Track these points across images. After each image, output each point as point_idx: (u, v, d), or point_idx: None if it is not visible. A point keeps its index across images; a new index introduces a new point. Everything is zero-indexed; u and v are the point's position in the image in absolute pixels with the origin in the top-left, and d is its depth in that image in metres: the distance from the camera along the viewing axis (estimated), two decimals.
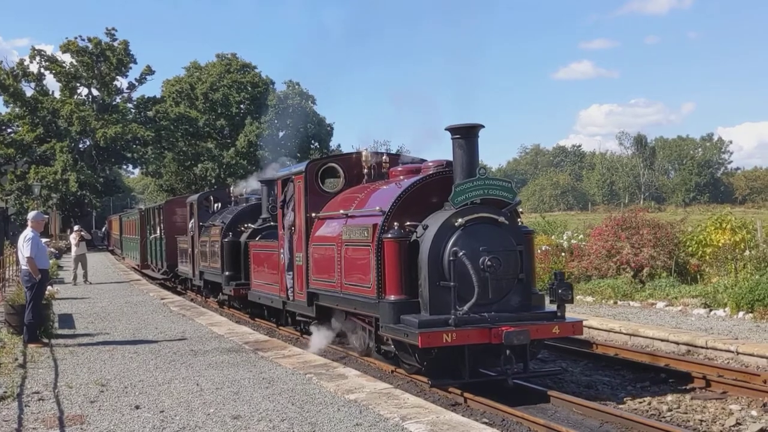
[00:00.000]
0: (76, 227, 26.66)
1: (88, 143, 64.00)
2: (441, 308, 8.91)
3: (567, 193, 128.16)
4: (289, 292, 12.94)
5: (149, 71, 66.94)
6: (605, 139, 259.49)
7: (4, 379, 8.95)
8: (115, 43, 63.92)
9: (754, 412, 8.21)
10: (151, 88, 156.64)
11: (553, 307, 9.53)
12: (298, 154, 61.54)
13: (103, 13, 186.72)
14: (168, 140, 67.07)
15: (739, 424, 7.82)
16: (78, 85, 65.29)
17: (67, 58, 64.15)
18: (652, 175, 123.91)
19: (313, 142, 71.49)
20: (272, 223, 16.08)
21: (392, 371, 10.46)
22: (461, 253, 8.89)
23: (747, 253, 17.53)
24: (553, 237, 23.43)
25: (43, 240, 12.85)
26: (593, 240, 19.80)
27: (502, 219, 9.40)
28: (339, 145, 73.74)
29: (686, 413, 8.27)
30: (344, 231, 10.62)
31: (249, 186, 20.43)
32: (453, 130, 9.48)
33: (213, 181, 68.41)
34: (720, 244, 18.12)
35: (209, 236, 18.93)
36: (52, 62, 63.60)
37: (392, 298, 9.36)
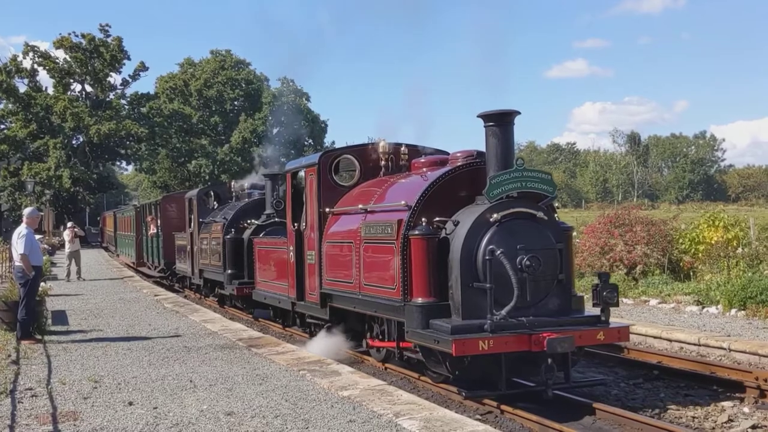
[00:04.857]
0: (69, 224, 26.61)
1: (81, 139, 63.89)
2: (474, 312, 8.20)
3: (561, 190, 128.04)
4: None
5: (143, 67, 66.88)
6: (599, 137, 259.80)
7: None
8: (109, 40, 63.75)
9: (746, 409, 8.25)
10: (145, 85, 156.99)
11: (595, 311, 8.88)
12: (293, 151, 61.51)
13: (98, 10, 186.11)
14: (162, 137, 66.97)
15: (731, 420, 7.85)
16: (71, 81, 65.10)
17: (60, 54, 64.05)
18: (646, 173, 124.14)
19: (307, 139, 71.47)
20: (276, 219, 15.76)
21: (385, 368, 10.44)
22: (499, 252, 8.11)
23: (739, 250, 17.63)
24: None
25: (37, 237, 12.81)
26: (586, 237, 19.83)
27: (540, 214, 8.63)
28: (333, 142, 73.85)
29: (678, 410, 8.30)
30: (363, 227, 9.91)
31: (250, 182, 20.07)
32: (486, 117, 8.70)
33: (207, 177, 68.34)
34: (713, 242, 18.19)
35: (210, 233, 18.51)
36: (45, 58, 63.41)
37: (420, 300, 8.57)
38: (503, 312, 7.96)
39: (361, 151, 11.78)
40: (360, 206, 10.35)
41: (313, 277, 11.60)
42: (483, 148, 9.25)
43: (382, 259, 9.45)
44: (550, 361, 8.01)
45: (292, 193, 12.70)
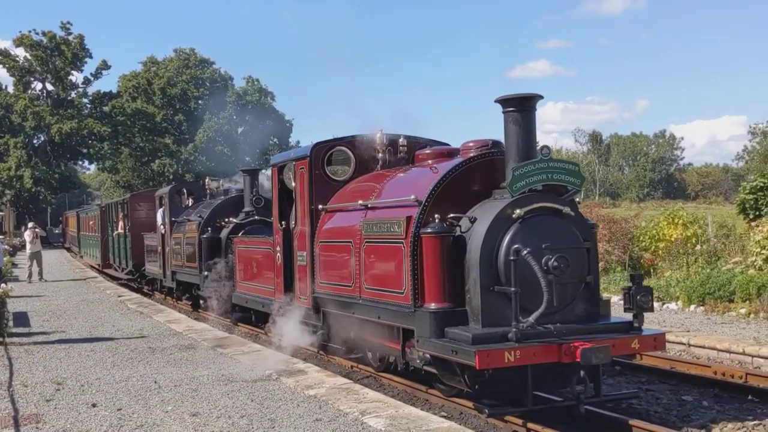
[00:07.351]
0: (30, 224, 26.22)
1: (42, 139, 63.07)
2: (495, 319, 7.40)
3: None
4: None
5: (105, 66, 66.08)
6: (561, 136, 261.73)
7: None
8: (70, 37, 62.93)
9: (705, 403, 8.44)
10: (108, 84, 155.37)
11: (625, 317, 8.17)
12: (257, 150, 61.29)
13: (60, 8, 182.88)
14: (125, 136, 66.35)
15: (691, 414, 8.02)
16: (32, 79, 64.15)
17: (20, 52, 63.06)
18: (607, 171, 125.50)
19: (272, 138, 71.21)
20: (257, 217, 15.25)
21: (351, 366, 10.42)
22: (525, 252, 7.30)
23: (698, 247, 17.96)
24: None
25: None
26: None
27: (567, 210, 7.80)
28: (298, 142, 73.63)
29: (641, 405, 8.45)
30: (364, 225, 9.06)
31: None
32: (505, 101, 7.82)
33: (171, 177, 67.71)
34: (672, 239, 18.51)
35: (184, 232, 17.75)
36: (4, 56, 62.39)
37: (433, 306, 7.71)
38: (531, 319, 7.19)
39: (356, 143, 10.81)
40: (359, 202, 9.50)
41: (304, 280, 10.74)
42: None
43: (388, 260, 8.59)
44: (582, 373, 7.28)
45: (279, 188, 11.84)
